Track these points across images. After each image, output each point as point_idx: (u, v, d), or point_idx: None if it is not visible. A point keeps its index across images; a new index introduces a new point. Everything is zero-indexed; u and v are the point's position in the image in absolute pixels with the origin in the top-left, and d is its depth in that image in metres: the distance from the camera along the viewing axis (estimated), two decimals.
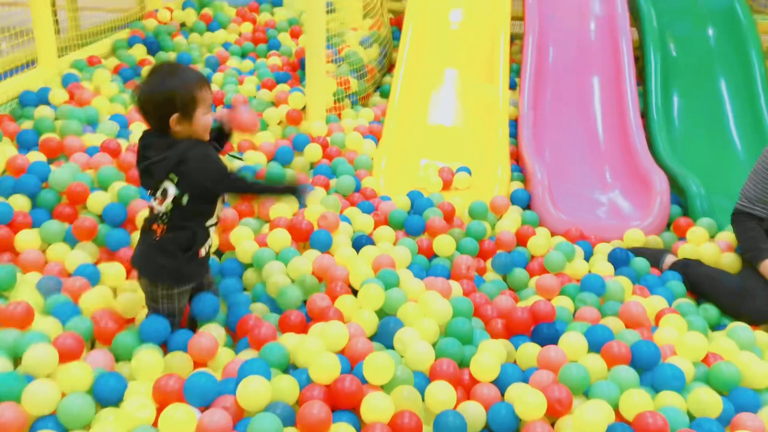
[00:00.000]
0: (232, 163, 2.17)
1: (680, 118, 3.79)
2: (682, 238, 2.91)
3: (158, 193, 1.95)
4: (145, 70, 2.41)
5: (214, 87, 3.80)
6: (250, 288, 2.44)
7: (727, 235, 2.76)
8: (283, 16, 4.68)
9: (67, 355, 1.85)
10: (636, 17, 4.24)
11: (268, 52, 4.27)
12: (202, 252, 2.03)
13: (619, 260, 2.67)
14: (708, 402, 1.85)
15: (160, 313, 2.03)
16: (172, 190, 1.93)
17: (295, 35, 4.43)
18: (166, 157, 1.88)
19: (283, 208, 2.69)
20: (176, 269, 2.00)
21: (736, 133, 3.69)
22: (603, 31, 4.12)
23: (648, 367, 1.99)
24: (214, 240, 2.15)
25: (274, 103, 3.58)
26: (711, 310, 2.46)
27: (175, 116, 1.87)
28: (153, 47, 4.18)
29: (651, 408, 1.81)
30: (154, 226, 1.99)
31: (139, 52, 4.10)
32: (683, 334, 2.14)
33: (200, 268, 2.10)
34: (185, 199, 1.93)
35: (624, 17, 4.07)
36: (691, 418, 1.85)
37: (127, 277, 2.33)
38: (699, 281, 2.58)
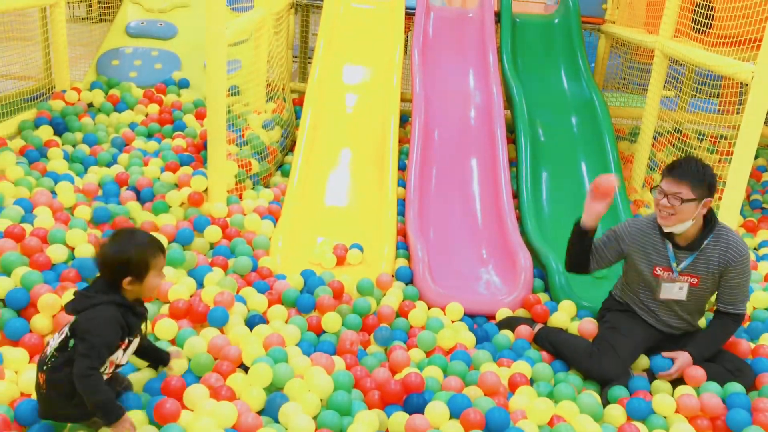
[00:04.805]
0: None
1: (548, 197, 4.26)
2: None
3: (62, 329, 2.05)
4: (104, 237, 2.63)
5: (119, 168, 3.98)
6: None
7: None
8: (189, 97, 4.88)
9: None
10: (510, 105, 4.75)
11: (174, 133, 4.48)
12: None
13: (480, 337, 3.05)
14: None
15: None
16: (66, 328, 2.04)
17: (200, 116, 4.65)
18: (92, 298, 2.03)
19: (180, 289, 2.92)
20: (80, 411, 2.02)
21: None
22: (481, 117, 4.59)
23: (499, 430, 2.32)
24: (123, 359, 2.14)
25: (177, 185, 3.79)
26: (572, 378, 2.82)
27: (127, 279, 2.05)
28: (60, 128, 4.32)
29: None
30: (40, 376, 2.04)
31: (45, 133, 4.23)
32: (533, 400, 2.49)
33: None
34: (71, 344, 2.01)
35: (499, 106, 4.54)
36: None
37: (30, 361, 2.47)
38: (559, 346, 2.97)
